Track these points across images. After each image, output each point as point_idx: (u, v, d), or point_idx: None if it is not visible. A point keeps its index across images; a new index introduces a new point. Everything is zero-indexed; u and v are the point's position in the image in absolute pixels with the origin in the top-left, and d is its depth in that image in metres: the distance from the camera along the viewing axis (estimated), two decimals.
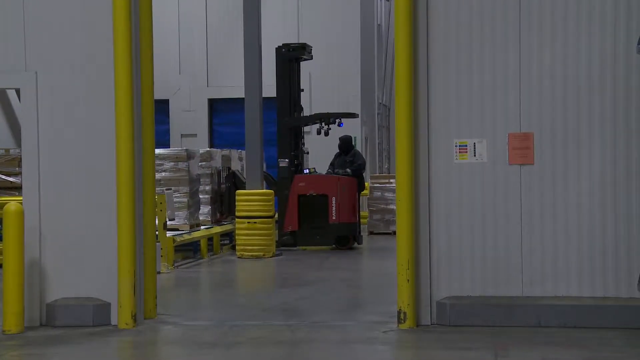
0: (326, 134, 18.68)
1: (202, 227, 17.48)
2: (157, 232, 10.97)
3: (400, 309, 9.24)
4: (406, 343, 8.90)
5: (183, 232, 16.45)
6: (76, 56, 9.66)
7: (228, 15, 26.82)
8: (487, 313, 9.22)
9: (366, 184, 21.59)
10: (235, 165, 19.95)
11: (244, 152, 18.52)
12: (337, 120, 18.93)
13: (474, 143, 9.38)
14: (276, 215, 17.63)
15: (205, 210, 18.20)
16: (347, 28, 26.91)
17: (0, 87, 14.06)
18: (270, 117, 18.84)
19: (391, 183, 21.61)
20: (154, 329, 9.54)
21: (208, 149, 20.08)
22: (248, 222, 16.70)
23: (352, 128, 23.17)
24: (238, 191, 17.32)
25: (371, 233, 21.87)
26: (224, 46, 27.18)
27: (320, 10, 26.88)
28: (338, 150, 19.38)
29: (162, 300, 10.50)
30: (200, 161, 18.11)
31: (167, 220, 15.13)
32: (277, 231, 17.63)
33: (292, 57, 18.34)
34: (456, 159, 9.40)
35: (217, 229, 17.94)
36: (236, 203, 17.01)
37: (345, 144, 19.29)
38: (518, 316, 9.16)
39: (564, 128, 9.26)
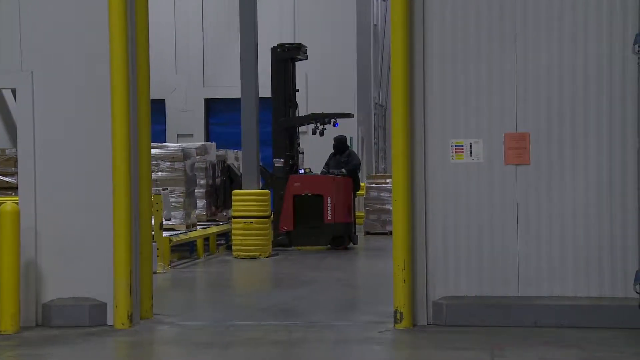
0: (321, 134, 18.66)
1: (198, 227, 17.47)
2: (153, 232, 10.95)
3: (396, 309, 9.24)
4: (402, 343, 8.89)
5: (179, 232, 16.43)
6: (72, 56, 9.65)
7: (224, 15, 26.83)
8: (483, 313, 9.22)
9: (363, 184, 21.56)
10: None
11: (240, 152, 18.51)
12: (333, 121, 18.91)
13: (470, 143, 9.38)
14: (272, 216, 17.62)
15: (200, 204, 18.21)
16: (343, 28, 26.92)
17: None
18: (266, 117, 18.82)
19: (387, 183, 21.59)
20: (150, 329, 9.53)
21: (203, 142, 20.00)
22: (244, 222, 16.68)
23: (348, 128, 23.17)
24: (234, 191, 17.29)
25: (368, 233, 21.84)
26: (220, 46, 27.17)
27: (317, 10, 26.88)
28: (333, 151, 19.38)
29: (158, 301, 10.48)
30: (195, 155, 18.07)
31: (164, 220, 15.12)
32: (272, 231, 17.62)
33: (287, 57, 18.32)
34: (452, 159, 9.39)
35: (214, 229, 17.93)
36: (232, 203, 17.00)
37: (340, 144, 19.23)
38: (514, 316, 9.16)
39: (560, 128, 9.26)
